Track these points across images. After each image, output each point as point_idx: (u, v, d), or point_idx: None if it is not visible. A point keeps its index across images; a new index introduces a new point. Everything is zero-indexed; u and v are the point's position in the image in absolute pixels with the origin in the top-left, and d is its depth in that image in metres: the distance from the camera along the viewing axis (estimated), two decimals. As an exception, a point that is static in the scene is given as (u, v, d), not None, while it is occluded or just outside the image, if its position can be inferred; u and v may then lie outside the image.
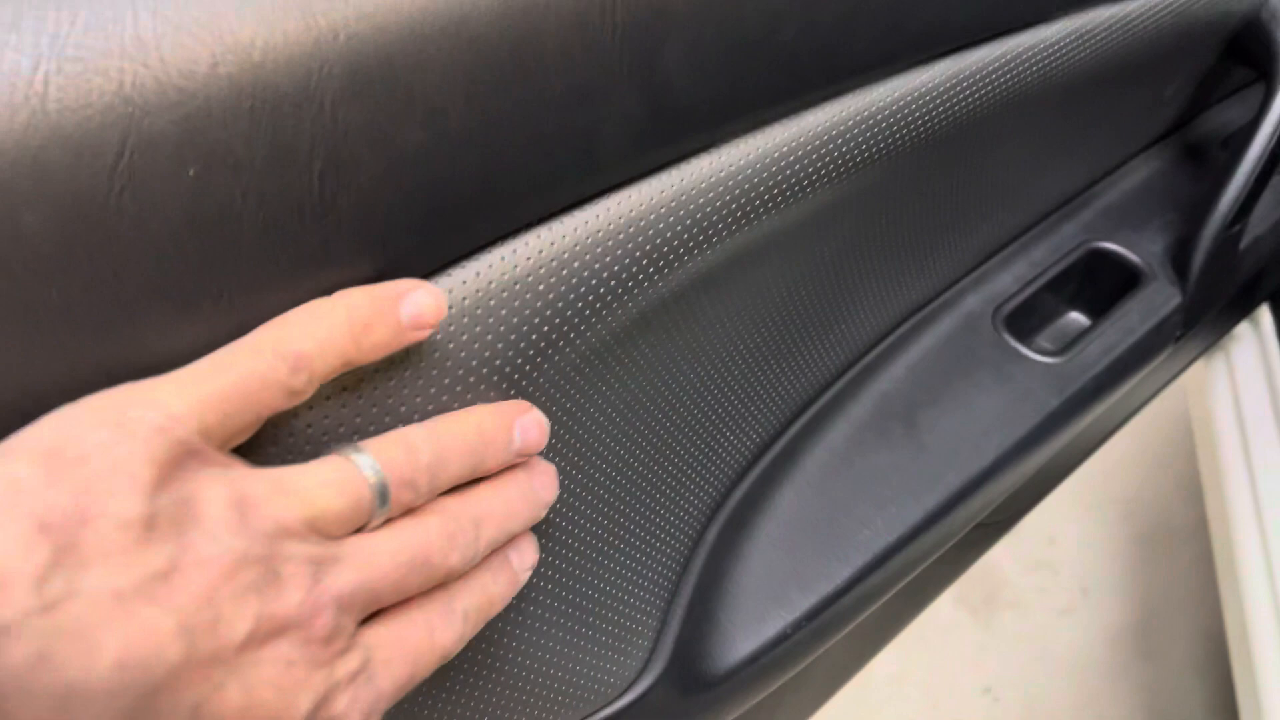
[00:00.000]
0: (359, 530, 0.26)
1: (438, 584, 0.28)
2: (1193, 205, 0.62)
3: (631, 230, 0.34)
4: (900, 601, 0.62)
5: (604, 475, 0.39)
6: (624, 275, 0.34)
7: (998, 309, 0.59)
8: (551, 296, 0.32)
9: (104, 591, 0.21)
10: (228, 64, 0.24)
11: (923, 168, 0.46)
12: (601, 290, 0.34)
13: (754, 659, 0.46)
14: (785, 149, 0.37)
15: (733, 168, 0.36)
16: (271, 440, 0.28)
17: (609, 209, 0.33)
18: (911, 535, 0.51)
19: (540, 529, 0.37)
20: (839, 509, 0.51)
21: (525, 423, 0.31)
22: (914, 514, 0.51)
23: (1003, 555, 1.29)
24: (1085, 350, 0.58)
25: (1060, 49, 0.48)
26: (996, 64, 0.45)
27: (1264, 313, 0.85)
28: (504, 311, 0.31)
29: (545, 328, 0.33)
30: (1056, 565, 1.29)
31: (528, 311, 0.32)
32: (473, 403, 0.32)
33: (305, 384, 0.25)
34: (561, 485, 0.37)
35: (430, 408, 0.31)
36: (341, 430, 0.29)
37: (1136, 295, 0.61)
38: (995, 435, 0.54)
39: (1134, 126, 0.64)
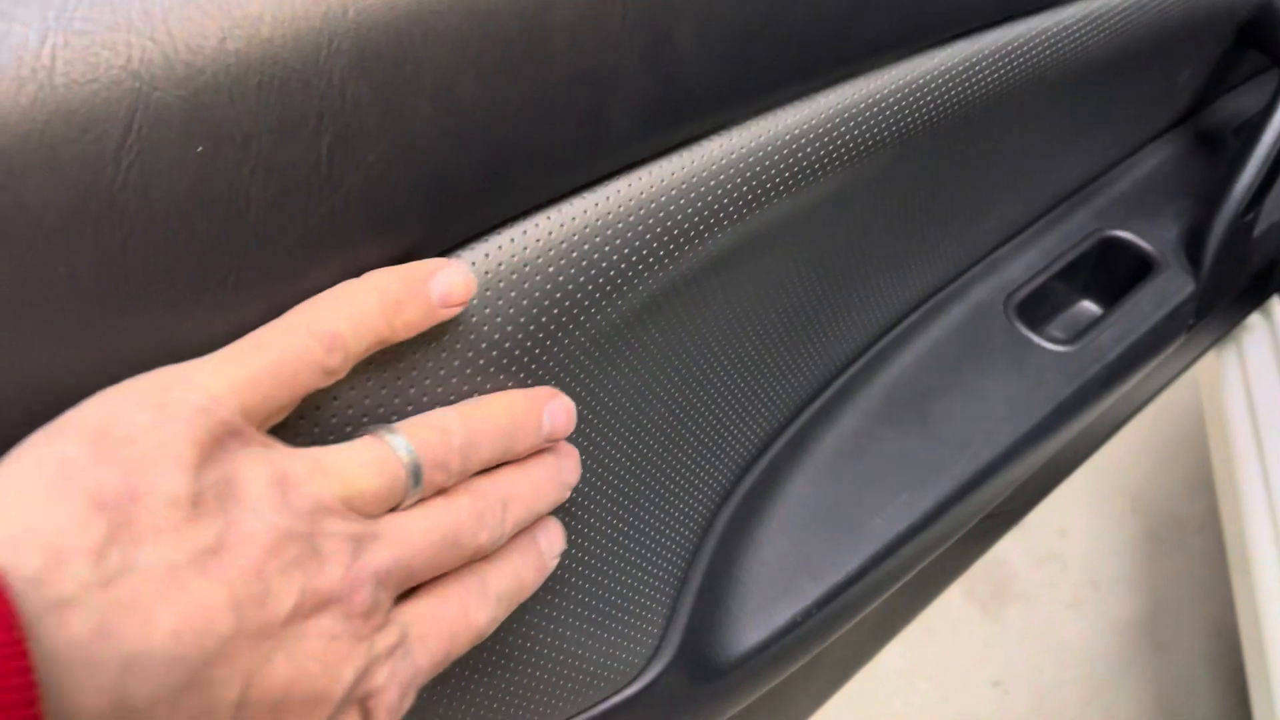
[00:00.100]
0: (393, 509, 0.27)
1: (467, 563, 0.29)
2: (1206, 193, 0.62)
3: (642, 213, 0.33)
4: (909, 593, 0.62)
5: (613, 460, 0.39)
6: (634, 258, 0.34)
7: (1009, 297, 0.59)
8: (561, 279, 0.32)
9: (158, 566, 0.21)
10: (236, 39, 0.23)
11: (935, 152, 0.45)
12: (611, 273, 0.33)
13: (764, 647, 0.46)
14: (796, 132, 0.37)
15: (743, 150, 0.35)
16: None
17: (619, 191, 0.33)
18: (922, 524, 0.51)
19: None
20: (849, 497, 0.50)
21: (554, 408, 0.32)
22: (925, 503, 0.51)
23: (1012, 548, 1.29)
24: (1097, 339, 0.58)
25: (1074, 33, 0.48)
26: (1010, 47, 0.45)
27: (1276, 303, 0.85)
28: (514, 294, 0.31)
29: (555, 310, 0.32)
30: (1066, 558, 1.28)
31: (538, 294, 0.32)
32: (482, 385, 0.32)
33: (340, 363, 0.26)
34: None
35: (439, 389, 0.30)
36: (350, 412, 0.29)
37: (1149, 284, 0.61)
38: (1006, 424, 0.54)
39: (1146, 114, 0.64)
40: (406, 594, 0.28)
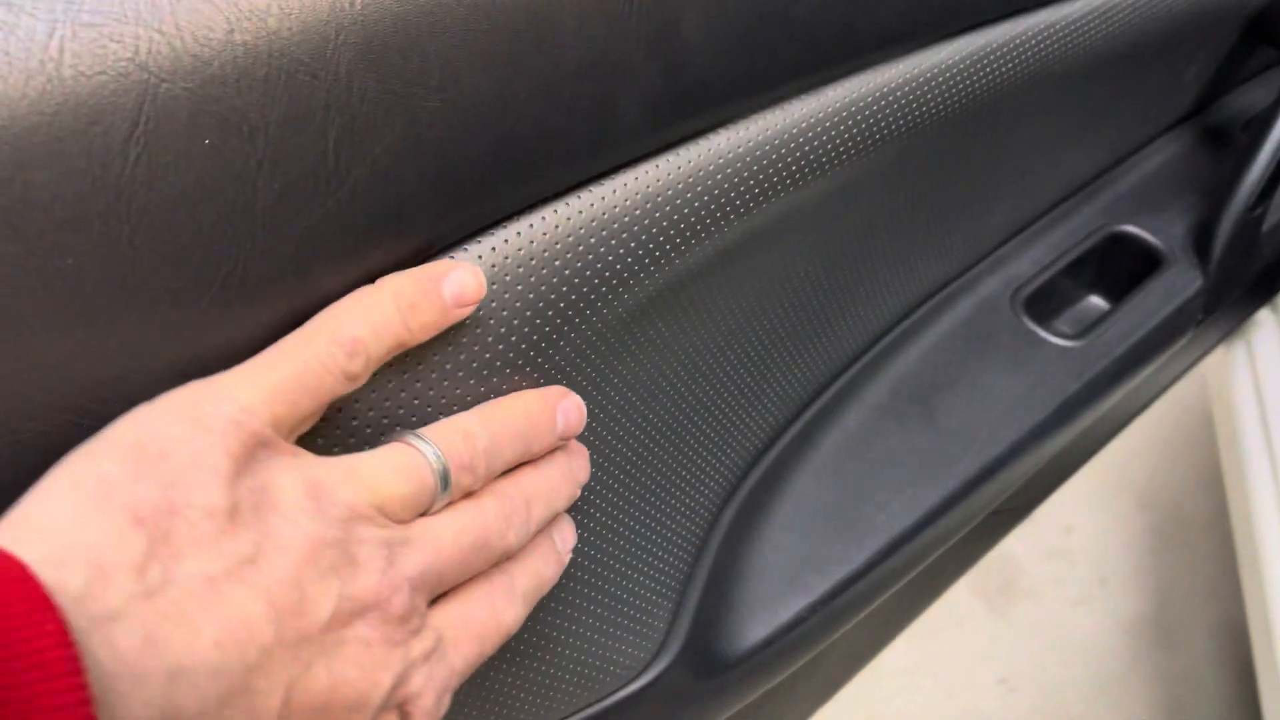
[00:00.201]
0: (422, 514, 0.28)
1: (494, 564, 0.30)
2: (1214, 188, 0.61)
3: (649, 206, 0.33)
4: (915, 589, 0.62)
5: (620, 455, 0.39)
6: (640, 252, 0.34)
7: (1016, 292, 0.58)
8: (568, 273, 0.32)
9: (198, 577, 0.22)
10: (243, 31, 0.23)
11: (942, 147, 0.45)
12: (618, 267, 0.33)
13: (769, 643, 0.46)
14: (803, 125, 0.37)
15: (750, 144, 0.35)
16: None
17: (625, 184, 0.33)
18: (928, 520, 0.51)
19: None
20: (855, 493, 0.50)
21: (566, 407, 0.32)
22: (930, 498, 0.51)
23: (1019, 544, 1.28)
24: (1104, 334, 0.58)
25: (1082, 26, 0.48)
26: (1018, 41, 0.45)
27: (1285, 299, 0.84)
28: (520, 287, 0.31)
29: (561, 304, 0.32)
30: (1073, 555, 1.28)
31: (544, 288, 0.32)
32: (493, 379, 0.32)
33: (363, 368, 0.27)
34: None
35: (445, 383, 0.30)
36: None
37: (1157, 279, 0.61)
38: (1013, 419, 0.54)
39: (1155, 108, 0.63)
40: (438, 597, 0.28)
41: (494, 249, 0.30)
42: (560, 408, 0.32)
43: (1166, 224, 0.63)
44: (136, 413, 0.24)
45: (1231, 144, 0.68)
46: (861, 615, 0.51)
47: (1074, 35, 0.48)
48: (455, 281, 0.28)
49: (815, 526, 0.49)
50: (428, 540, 0.27)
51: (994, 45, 0.43)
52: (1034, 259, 0.60)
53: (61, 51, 0.22)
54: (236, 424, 0.24)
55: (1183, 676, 1.17)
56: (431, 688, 0.27)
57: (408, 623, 0.26)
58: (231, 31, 0.23)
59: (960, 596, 1.24)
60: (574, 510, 0.37)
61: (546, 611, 0.38)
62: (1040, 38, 0.46)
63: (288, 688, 0.23)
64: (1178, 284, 0.61)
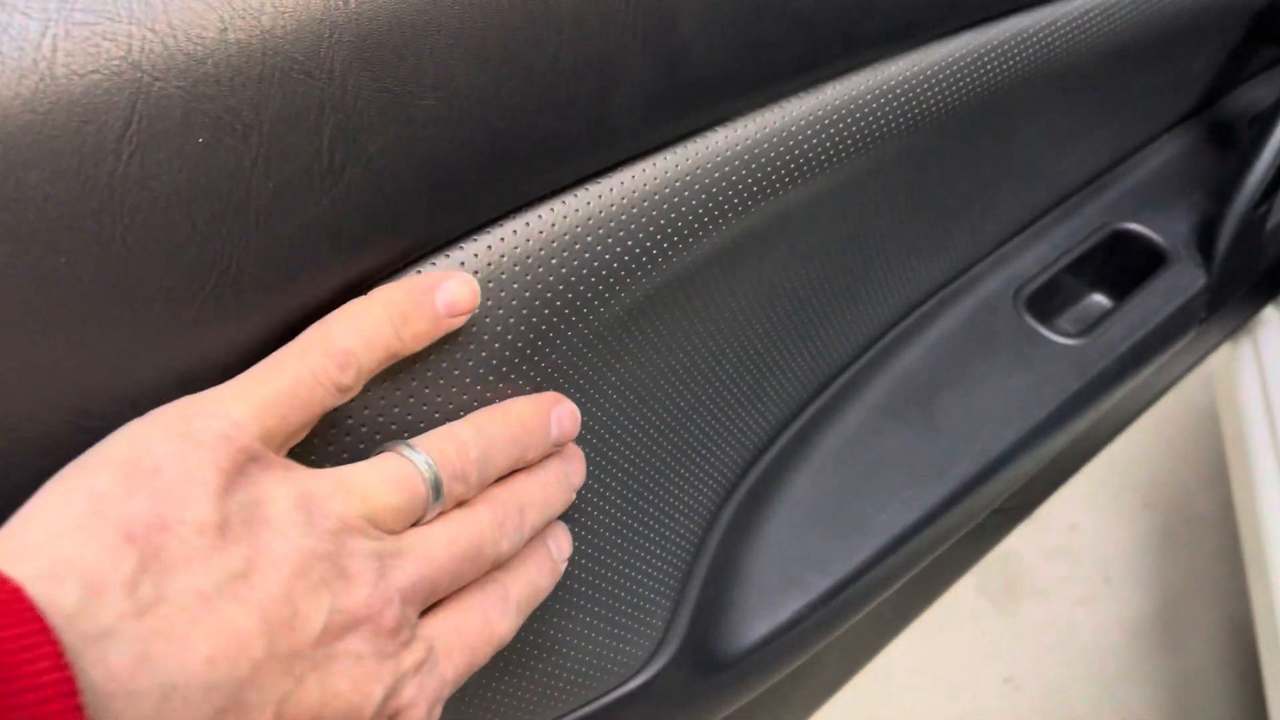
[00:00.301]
0: (415, 524, 0.28)
1: (487, 572, 0.30)
2: (1218, 186, 0.61)
3: (645, 205, 0.33)
4: (917, 588, 0.61)
5: (616, 455, 0.38)
6: (637, 251, 0.34)
7: (1018, 290, 0.58)
8: (564, 272, 0.32)
9: (190, 593, 0.22)
10: (237, 29, 0.23)
11: (942, 144, 0.45)
12: (615, 266, 0.33)
13: (768, 642, 0.46)
14: (802, 123, 0.37)
15: (748, 142, 0.35)
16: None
17: (622, 183, 0.33)
18: (928, 519, 0.51)
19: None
20: (855, 492, 0.50)
21: (560, 413, 0.32)
22: (931, 497, 0.51)
23: (1023, 543, 1.28)
24: (1107, 332, 0.58)
25: (1084, 23, 0.47)
26: (1019, 38, 0.44)
27: (1291, 297, 0.84)
28: (515, 286, 0.31)
29: (558, 303, 0.32)
30: (1078, 553, 1.28)
31: (540, 287, 0.32)
32: (488, 379, 0.32)
33: (354, 380, 0.27)
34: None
35: (441, 381, 0.30)
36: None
37: (1160, 277, 0.60)
38: (1014, 418, 0.54)
39: (1159, 106, 0.63)
40: (431, 606, 0.28)
41: (489, 247, 0.30)
42: (554, 413, 0.32)
43: (1170, 222, 0.62)
44: (128, 428, 0.24)
45: (1236, 142, 0.67)
46: (861, 614, 0.51)
47: (1076, 32, 0.47)
48: (448, 291, 0.28)
49: (814, 525, 0.49)
50: (420, 551, 0.27)
51: (995, 42, 0.43)
52: (1036, 257, 0.60)
53: (54, 50, 0.22)
54: (227, 439, 0.24)
55: (1188, 675, 1.16)
56: (423, 698, 0.27)
57: (399, 635, 0.26)
58: (225, 30, 0.23)
59: (965, 595, 1.24)
60: (571, 509, 0.37)
61: (544, 609, 0.38)
62: (1043, 34, 0.46)
63: (279, 702, 0.23)
64: (1181, 282, 0.60)
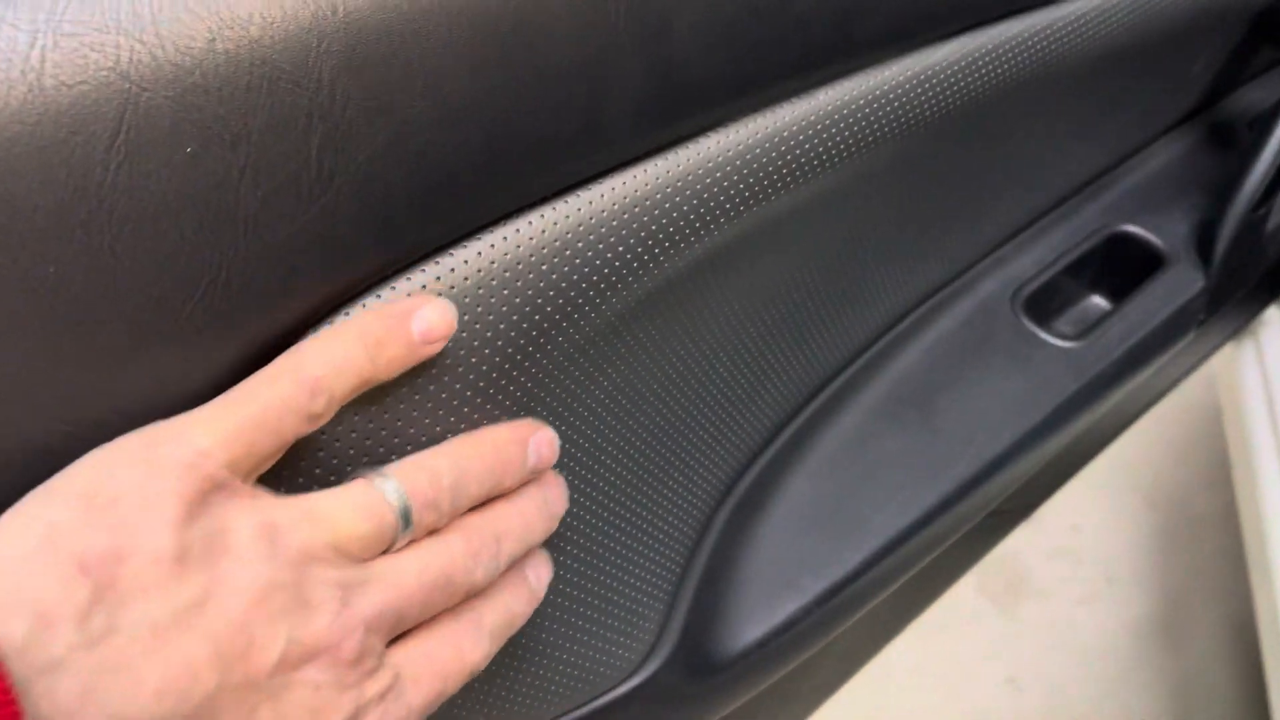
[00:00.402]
0: (385, 552, 0.27)
1: (461, 600, 0.29)
2: (1217, 188, 0.61)
3: (637, 210, 0.33)
4: (915, 589, 0.61)
5: (610, 458, 0.39)
6: (629, 257, 0.34)
7: (1016, 292, 0.58)
8: (555, 278, 0.32)
9: (142, 625, 0.22)
10: (225, 39, 0.24)
11: (939, 147, 0.45)
12: (606, 271, 0.33)
13: (763, 644, 0.46)
14: (796, 128, 0.37)
15: (741, 147, 0.35)
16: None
17: (614, 189, 0.33)
18: (925, 521, 0.51)
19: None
20: (851, 494, 0.50)
21: (539, 439, 0.32)
22: (927, 499, 0.51)
23: (1025, 544, 1.28)
24: (1105, 335, 0.57)
25: (1081, 26, 0.47)
26: (1015, 41, 0.44)
27: (1293, 298, 0.84)
28: (506, 292, 0.31)
29: (549, 309, 0.32)
30: (1080, 554, 1.28)
31: (531, 293, 0.32)
32: (474, 385, 0.32)
33: (325, 407, 0.26)
34: (567, 469, 0.37)
35: (431, 388, 0.30)
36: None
37: (1158, 279, 0.60)
38: (1011, 420, 0.54)
39: (1157, 107, 0.63)
40: (404, 634, 0.28)
41: (480, 254, 0.30)
42: (533, 440, 0.32)
43: (1169, 224, 0.62)
44: (91, 456, 0.24)
45: (1235, 143, 0.67)
46: (857, 616, 0.51)
47: (1073, 34, 0.47)
48: (423, 318, 0.28)
49: (810, 528, 0.49)
50: (387, 579, 0.27)
51: (991, 46, 0.43)
52: (1034, 259, 0.60)
53: (43, 61, 0.22)
54: (191, 467, 0.23)
55: (1190, 675, 1.16)
56: None
57: (361, 664, 0.26)
58: (213, 40, 0.23)
59: (966, 596, 1.23)
60: (565, 511, 0.37)
61: (537, 612, 0.38)
62: (1038, 37, 0.45)
63: None
64: (1179, 284, 0.60)
